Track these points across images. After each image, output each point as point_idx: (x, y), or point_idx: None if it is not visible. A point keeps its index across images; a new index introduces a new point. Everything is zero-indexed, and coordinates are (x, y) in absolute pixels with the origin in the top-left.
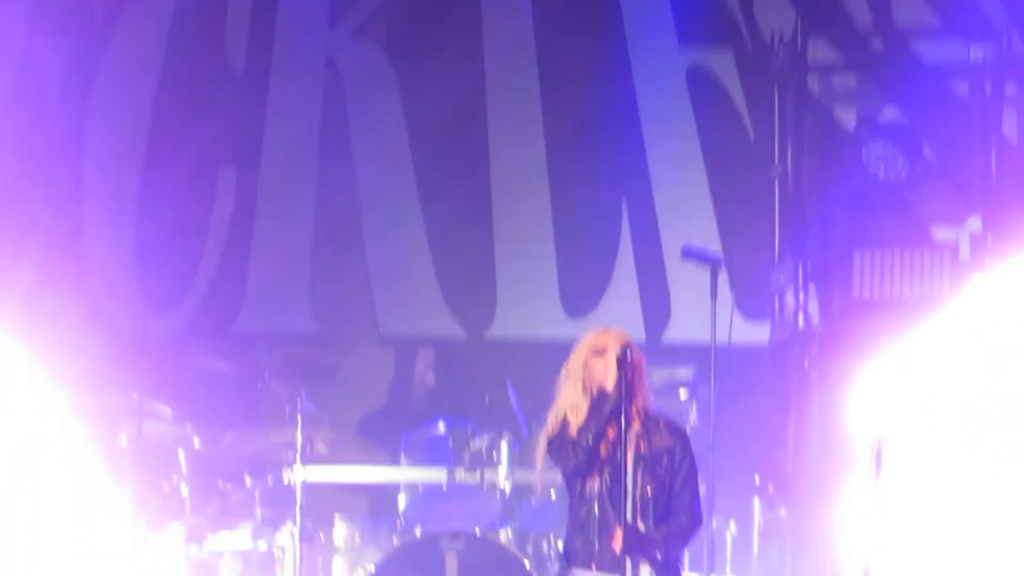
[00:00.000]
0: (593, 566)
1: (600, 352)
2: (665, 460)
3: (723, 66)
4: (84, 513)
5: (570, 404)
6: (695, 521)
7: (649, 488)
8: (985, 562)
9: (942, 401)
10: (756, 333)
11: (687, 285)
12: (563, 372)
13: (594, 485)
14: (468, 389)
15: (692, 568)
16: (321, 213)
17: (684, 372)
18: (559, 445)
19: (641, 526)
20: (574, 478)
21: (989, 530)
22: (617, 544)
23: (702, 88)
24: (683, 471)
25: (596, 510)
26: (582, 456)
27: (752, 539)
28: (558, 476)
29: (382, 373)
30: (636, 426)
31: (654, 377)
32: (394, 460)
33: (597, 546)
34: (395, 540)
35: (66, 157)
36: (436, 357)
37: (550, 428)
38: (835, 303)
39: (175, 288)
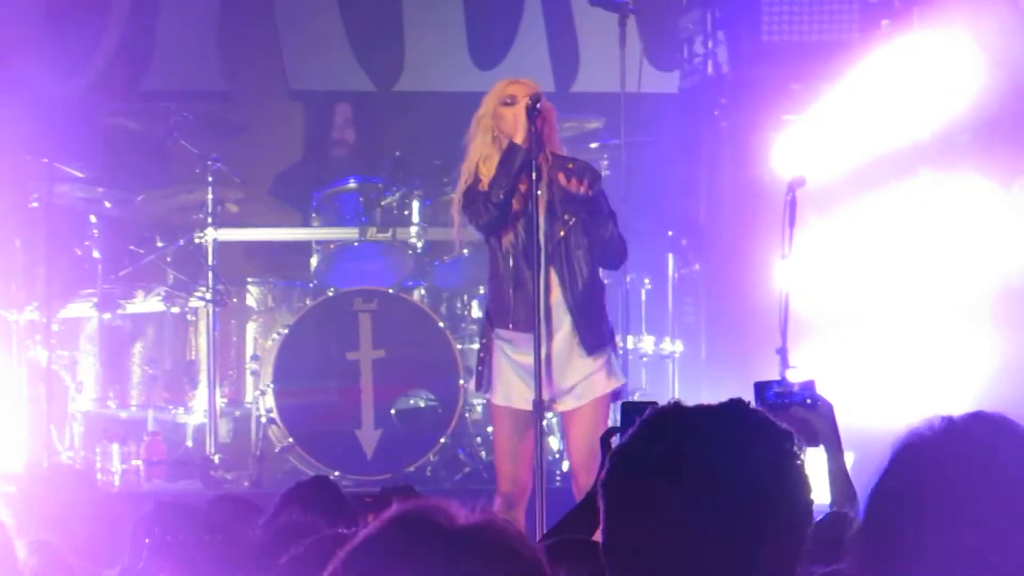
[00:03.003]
0: (510, 325)
1: (509, 102)
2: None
3: None
4: None
5: (481, 156)
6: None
7: (562, 232)
8: (892, 304)
9: (853, 148)
10: (665, 82)
11: (596, 34)
12: (473, 123)
13: (508, 240)
14: (378, 145)
15: None
16: None
17: (594, 123)
18: (472, 199)
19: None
20: (488, 234)
21: (897, 272)
22: None
23: None
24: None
25: (511, 266)
26: (494, 211)
27: (667, 295)
28: (473, 233)
29: (292, 130)
30: (546, 177)
31: (564, 128)
32: (305, 220)
33: (512, 302)
34: (308, 301)
35: None
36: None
37: (463, 182)
38: (744, 49)
39: (83, 48)
